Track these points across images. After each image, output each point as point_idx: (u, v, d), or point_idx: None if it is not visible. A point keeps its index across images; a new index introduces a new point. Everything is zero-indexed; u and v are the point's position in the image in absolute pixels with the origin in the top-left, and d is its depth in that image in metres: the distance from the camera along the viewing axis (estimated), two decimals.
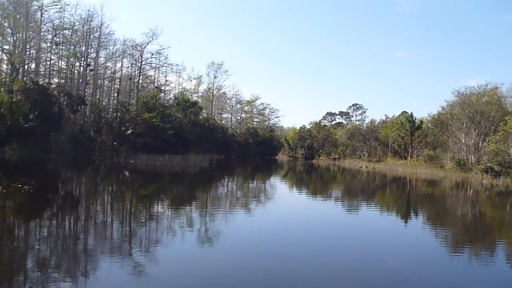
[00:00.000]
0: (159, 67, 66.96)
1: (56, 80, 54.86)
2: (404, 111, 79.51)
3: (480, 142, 52.85)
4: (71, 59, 54.93)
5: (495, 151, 45.96)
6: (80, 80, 53.53)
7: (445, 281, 8.73)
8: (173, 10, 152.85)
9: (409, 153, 67.26)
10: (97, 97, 59.93)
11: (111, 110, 59.61)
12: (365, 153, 76.15)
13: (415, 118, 68.28)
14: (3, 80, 43.65)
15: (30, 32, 45.78)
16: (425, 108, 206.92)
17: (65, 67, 55.84)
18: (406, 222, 17.24)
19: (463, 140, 53.86)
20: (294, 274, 8.47)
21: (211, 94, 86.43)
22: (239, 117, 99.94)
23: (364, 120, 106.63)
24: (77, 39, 53.88)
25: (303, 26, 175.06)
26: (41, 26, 46.72)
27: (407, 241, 13.03)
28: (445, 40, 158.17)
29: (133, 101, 58.17)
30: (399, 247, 12.04)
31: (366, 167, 62.80)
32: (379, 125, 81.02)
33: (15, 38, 43.07)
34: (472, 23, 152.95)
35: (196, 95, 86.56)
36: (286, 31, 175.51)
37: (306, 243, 11.55)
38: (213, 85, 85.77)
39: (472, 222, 18.09)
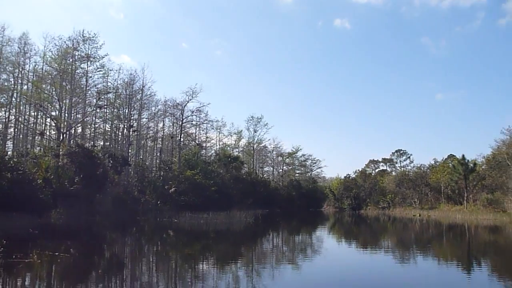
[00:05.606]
0: (199, 124, 67.84)
1: (100, 142, 56.25)
2: (451, 154, 76.33)
3: None
4: (115, 122, 56.45)
5: None
6: (124, 141, 54.63)
7: None
8: (210, 69, 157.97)
9: (465, 198, 63.29)
10: (140, 157, 60.82)
11: (154, 169, 60.13)
12: (416, 200, 72.73)
13: (468, 161, 64.83)
14: (50, 145, 45.00)
15: (76, 98, 47.49)
16: (472, 150, 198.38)
17: (109, 129, 57.34)
18: (468, 273, 15.39)
19: None
20: None
21: (252, 148, 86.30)
22: (281, 170, 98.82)
23: (410, 166, 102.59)
24: (120, 102, 55.58)
25: (340, 75, 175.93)
26: (86, 92, 48.46)
27: None
28: (480, 81, 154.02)
29: (176, 159, 58.56)
30: None
31: (419, 215, 59.61)
32: (428, 170, 77.66)
33: (61, 104, 44.64)
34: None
35: (237, 150, 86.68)
36: (323, 81, 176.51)
37: None
38: (254, 139, 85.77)
39: None
